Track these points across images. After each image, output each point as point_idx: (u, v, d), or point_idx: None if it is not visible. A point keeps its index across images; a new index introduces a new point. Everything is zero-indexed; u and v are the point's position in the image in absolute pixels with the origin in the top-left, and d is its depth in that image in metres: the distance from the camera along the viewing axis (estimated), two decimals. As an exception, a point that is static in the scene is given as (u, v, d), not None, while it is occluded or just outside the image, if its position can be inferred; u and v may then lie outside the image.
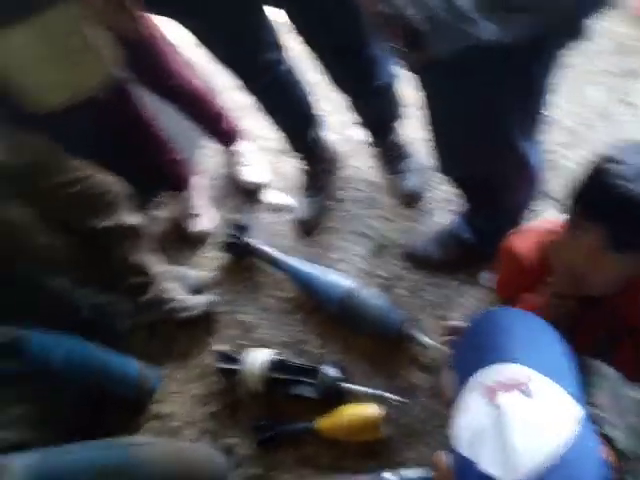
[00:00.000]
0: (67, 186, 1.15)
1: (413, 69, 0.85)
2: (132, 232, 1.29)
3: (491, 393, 0.52)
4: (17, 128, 1.04)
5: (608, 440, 0.97)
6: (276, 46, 1.26)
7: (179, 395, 1.35)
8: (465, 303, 1.32)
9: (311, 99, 1.42)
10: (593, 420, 0.53)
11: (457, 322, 1.19)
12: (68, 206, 1.17)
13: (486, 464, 0.48)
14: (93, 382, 1.22)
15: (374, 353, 1.30)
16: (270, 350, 1.29)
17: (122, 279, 1.31)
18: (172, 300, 1.38)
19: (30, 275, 1.10)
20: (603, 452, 0.53)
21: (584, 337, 0.83)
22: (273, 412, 1.27)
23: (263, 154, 1.66)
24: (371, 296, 1.29)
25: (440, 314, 1.31)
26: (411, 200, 1.50)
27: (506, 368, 0.54)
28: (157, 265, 1.37)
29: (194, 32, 1.17)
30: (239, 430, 1.27)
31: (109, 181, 1.24)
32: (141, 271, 1.32)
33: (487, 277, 1.31)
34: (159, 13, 1.18)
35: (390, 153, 1.51)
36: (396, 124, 1.46)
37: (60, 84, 1.01)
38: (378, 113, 1.42)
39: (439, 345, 1.23)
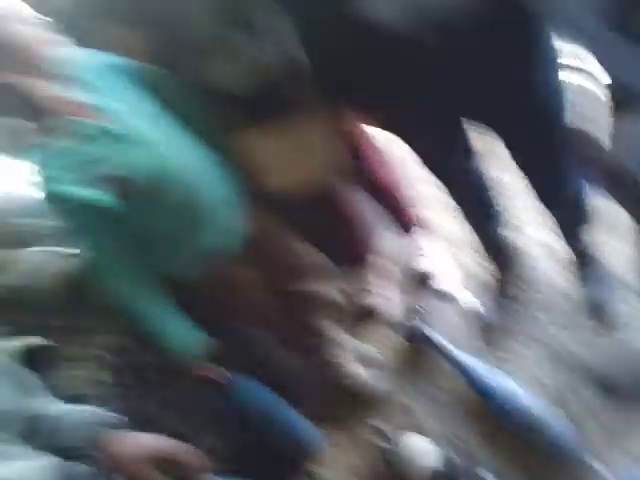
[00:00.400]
0: (279, 252, 1.35)
1: (619, 203, 0.86)
2: (318, 298, 1.44)
3: None
4: (249, 204, 1.25)
5: None
6: (468, 150, 1.33)
7: (333, 460, 1.41)
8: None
9: (496, 197, 1.45)
10: None
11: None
12: (275, 268, 1.36)
13: None
14: (265, 429, 1.33)
15: (537, 468, 1.24)
16: (432, 442, 1.30)
17: (302, 340, 1.46)
18: (341, 368, 1.48)
19: (239, 327, 1.29)
20: None
21: None
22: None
23: (445, 246, 1.71)
24: (547, 415, 1.25)
25: (618, 442, 1.22)
26: (595, 311, 1.43)
27: None
28: (333, 332, 1.49)
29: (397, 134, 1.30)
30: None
31: (307, 250, 1.41)
32: (319, 335, 1.46)
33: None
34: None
35: (576, 259, 1.47)
36: (584, 231, 1.43)
37: (291, 174, 1.19)
38: (566, 218, 1.40)
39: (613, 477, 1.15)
